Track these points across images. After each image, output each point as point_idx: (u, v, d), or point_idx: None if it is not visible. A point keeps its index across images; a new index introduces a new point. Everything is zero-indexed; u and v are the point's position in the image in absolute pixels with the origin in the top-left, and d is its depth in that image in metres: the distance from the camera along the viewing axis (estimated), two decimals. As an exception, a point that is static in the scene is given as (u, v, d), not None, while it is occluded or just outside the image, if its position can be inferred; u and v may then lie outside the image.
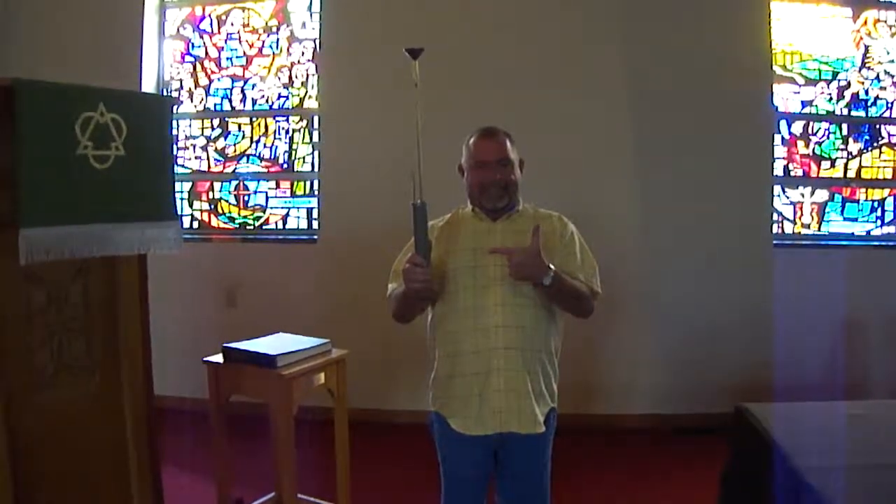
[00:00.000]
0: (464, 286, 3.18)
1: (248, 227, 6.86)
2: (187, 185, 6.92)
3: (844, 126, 6.43)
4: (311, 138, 6.71)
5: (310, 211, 6.75)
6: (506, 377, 3.14)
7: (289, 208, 6.80)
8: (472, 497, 3.39)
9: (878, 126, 6.44)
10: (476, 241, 3.22)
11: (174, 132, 6.40)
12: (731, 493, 3.37)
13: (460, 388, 3.22)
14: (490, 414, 3.17)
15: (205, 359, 4.13)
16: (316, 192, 6.67)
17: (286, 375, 3.89)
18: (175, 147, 6.39)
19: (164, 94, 6.74)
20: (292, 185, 6.77)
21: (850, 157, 6.44)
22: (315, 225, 6.69)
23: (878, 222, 6.47)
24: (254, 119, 6.83)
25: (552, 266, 3.04)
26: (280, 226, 6.82)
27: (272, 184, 6.82)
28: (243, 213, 6.87)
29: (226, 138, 6.88)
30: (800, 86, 6.40)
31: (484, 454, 3.29)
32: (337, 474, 4.39)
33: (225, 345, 4.12)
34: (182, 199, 6.88)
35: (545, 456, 3.37)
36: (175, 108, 6.04)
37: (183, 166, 6.88)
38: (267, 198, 6.83)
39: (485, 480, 3.38)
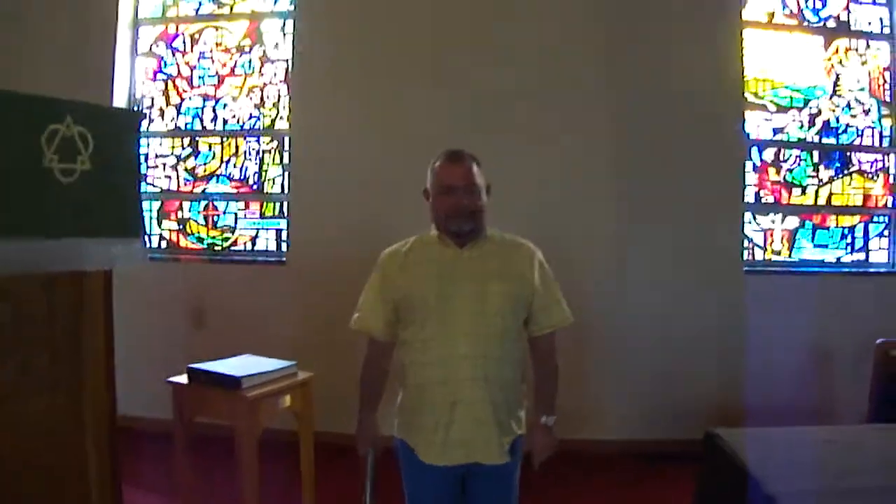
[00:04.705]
0: (429, 315, 3.13)
1: (216, 248, 6.80)
2: (156, 205, 6.85)
3: (815, 153, 6.48)
4: (281, 159, 6.67)
5: (279, 232, 6.69)
6: (471, 408, 3.11)
7: (258, 229, 6.74)
8: None
9: (848, 153, 6.50)
10: (442, 269, 3.16)
11: (142, 148, 6.34)
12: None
13: (425, 418, 3.19)
14: (455, 445, 3.14)
15: (168, 379, 4.08)
16: (286, 214, 6.62)
17: (251, 397, 3.85)
18: (143, 163, 6.36)
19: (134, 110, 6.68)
20: (262, 206, 6.72)
21: (820, 184, 6.48)
22: (284, 247, 6.64)
23: (849, 249, 6.50)
24: (224, 139, 6.78)
25: (545, 418, 3.25)
26: (249, 247, 6.76)
27: (242, 204, 6.76)
28: (212, 233, 6.81)
29: (196, 158, 6.83)
30: (771, 113, 6.45)
31: (449, 483, 3.25)
32: (303, 498, 4.34)
33: (190, 366, 4.07)
34: (151, 218, 6.81)
35: (512, 485, 3.34)
36: (142, 122, 5.99)
37: (152, 185, 6.82)
38: (236, 219, 6.77)
39: None
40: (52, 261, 2.71)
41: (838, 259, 6.52)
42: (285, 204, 6.63)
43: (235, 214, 6.77)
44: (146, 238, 3.09)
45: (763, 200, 6.49)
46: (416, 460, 3.23)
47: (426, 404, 3.18)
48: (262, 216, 6.72)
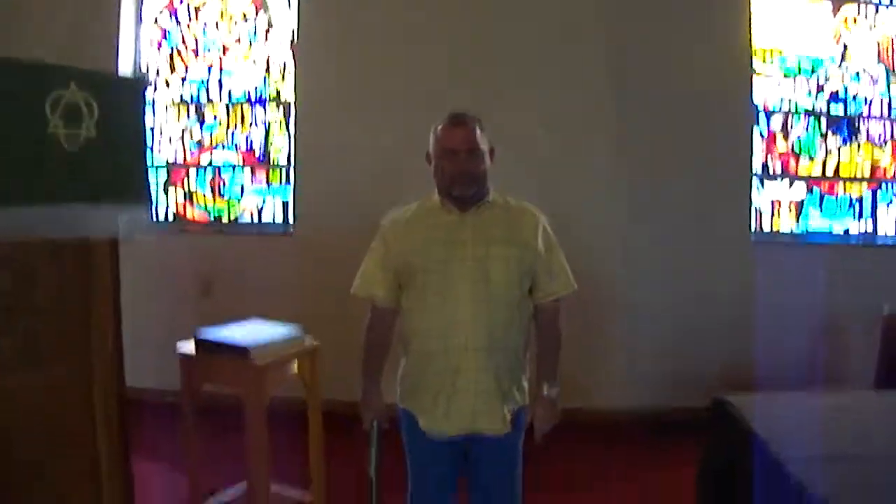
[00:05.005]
0: (432, 282, 3.11)
1: (223, 219, 6.80)
2: (163, 176, 6.85)
3: (823, 122, 6.44)
4: (287, 129, 6.65)
5: (285, 202, 6.70)
6: (474, 378, 3.10)
7: (265, 199, 6.74)
8: (438, 493, 3.36)
9: (856, 122, 6.44)
10: (446, 234, 3.12)
11: (148, 118, 6.32)
12: (710, 483, 3.35)
13: (427, 387, 3.18)
14: (457, 414, 3.14)
15: (178, 348, 4.08)
16: (292, 183, 6.62)
17: (259, 366, 3.85)
18: (149, 134, 6.34)
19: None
20: (268, 175, 6.71)
21: (828, 153, 6.44)
22: (291, 216, 6.65)
23: (857, 218, 6.48)
24: (230, 108, 6.76)
25: (547, 389, 3.25)
26: (256, 217, 6.76)
27: (248, 174, 6.75)
28: (219, 203, 6.81)
29: (202, 128, 6.81)
30: (779, 82, 6.40)
31: (452, 453, 3.25)
32: (311, 465, 4.34)
33: (197, 332, 4.07)
34: (157, 189, 6.80)
35: (515, 456, 3.34)
36: (147, 90, 5.97)
37: (158, 154, 6.81)
38: (242, 189, 6.77)
39: (453, 478, 3.34)
40: (58, 228, 2.69)
41: (846, 231, 6.49)
42: (292, 173, 6.62)
43: (242, 184, 6.77)
44: (152, 206, 3.07)
45: (771, 170, 6.46)
46: (418, 429, 3.23)
47: (428, 372, 3.17)
48: (268, 185, 6.72)
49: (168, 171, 6.86)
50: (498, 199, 3.22)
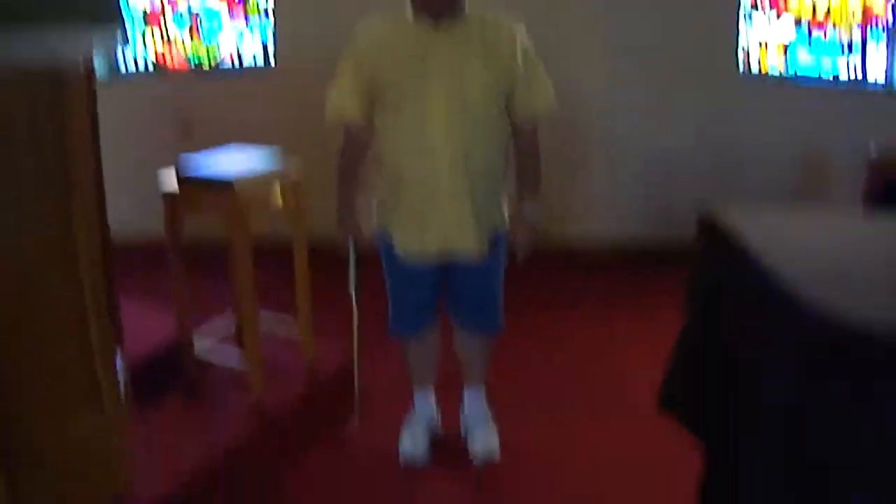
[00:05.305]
0: (406, 97, 3.06)
1: (202, 63, 6.71)
2: (140, 26, 6.66)
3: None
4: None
5: (265, 44, 6.62)
6: (448, 194, 3.09)
7: (243, 40, 6.65)
8: (417, 315, 3.43)
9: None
10: (421, 49, 3.05)
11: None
12: (698, 303, 3.31)
13: (401, 206, 3.19)
14: (432, 234, 3.16)
15: (160, 185, 4.03)
16: (271, 22, 6.55)
17: (243, 196, 3.81)
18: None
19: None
20: (246, 13, 6.59)
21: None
22: (271, 56, 6.61)
23: (845, 58, 6.35)
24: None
25: (527, 212, 3.28)
26: (236, 62, 6.68)
27: (226, 17, 6.62)
28: (198, 48, 6.69)
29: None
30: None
31: (429, 277, 3.30)
32: (297, 296, 4.32)
33: (179, 162, 4.00)
34: (135, 38, 6.65)
35: (494, 282, 3.38)
36: None
37: (134, 2, 6.62)
38: (220, 31, 6.65)
39: (432, 300, 3.39)
40: (27, 50, 2.60)
41: (836, 77, 6.35)
42: (270, 11, 6.54)
43: (220, 27, 6.65)
44: (125, 30, 2.92)
45: (760, 9, 6.34)
46: (395, 252, 3.26)
47: (402, 190, 3.17)
48: (247, 24, 6.63)
49: (145, 19, 6.68)
50: (474, 15, 3.13)
